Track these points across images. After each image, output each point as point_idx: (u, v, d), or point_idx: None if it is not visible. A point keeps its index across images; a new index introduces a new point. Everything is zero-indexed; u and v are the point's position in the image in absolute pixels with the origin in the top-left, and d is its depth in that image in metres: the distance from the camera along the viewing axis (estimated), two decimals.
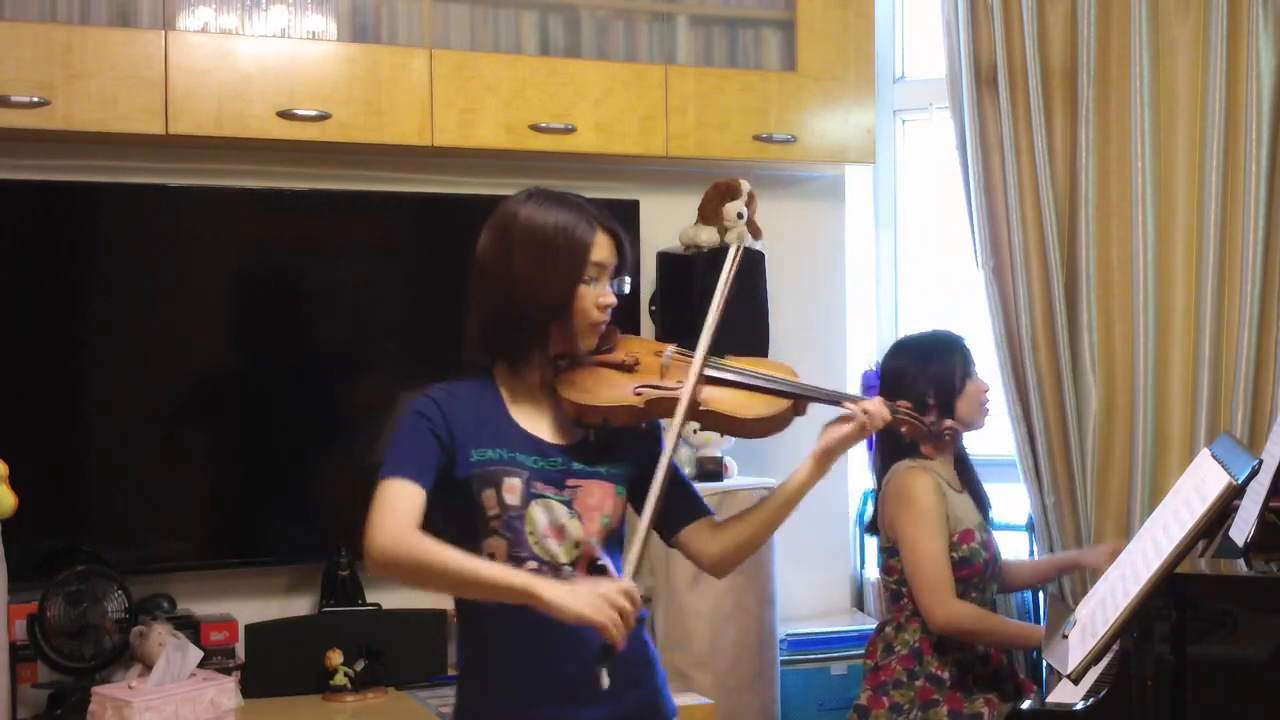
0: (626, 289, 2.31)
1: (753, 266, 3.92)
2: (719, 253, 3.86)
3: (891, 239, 4.51)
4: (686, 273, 3.88)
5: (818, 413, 2.35)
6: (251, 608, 3.59)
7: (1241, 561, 2.49)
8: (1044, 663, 3.80)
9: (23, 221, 3.44)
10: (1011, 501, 4.04)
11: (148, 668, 3.24)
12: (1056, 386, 3.91)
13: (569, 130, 3.77)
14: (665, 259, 3.94)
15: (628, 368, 2.30)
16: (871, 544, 4.11)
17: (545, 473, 2.22)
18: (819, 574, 4.26)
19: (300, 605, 3.68)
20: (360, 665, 3.47)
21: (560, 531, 2.23)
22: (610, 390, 2.26)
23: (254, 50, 3.50)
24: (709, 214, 3.90)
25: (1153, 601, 2.27)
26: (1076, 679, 2.30)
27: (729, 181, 3.91)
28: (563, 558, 2.22)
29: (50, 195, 3.47)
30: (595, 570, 2.24)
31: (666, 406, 2.26)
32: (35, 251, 3.45)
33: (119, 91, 3.37)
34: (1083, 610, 2.50)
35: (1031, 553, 4.01)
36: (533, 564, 2.20)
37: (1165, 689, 2.33)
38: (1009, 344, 3.95)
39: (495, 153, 3.77)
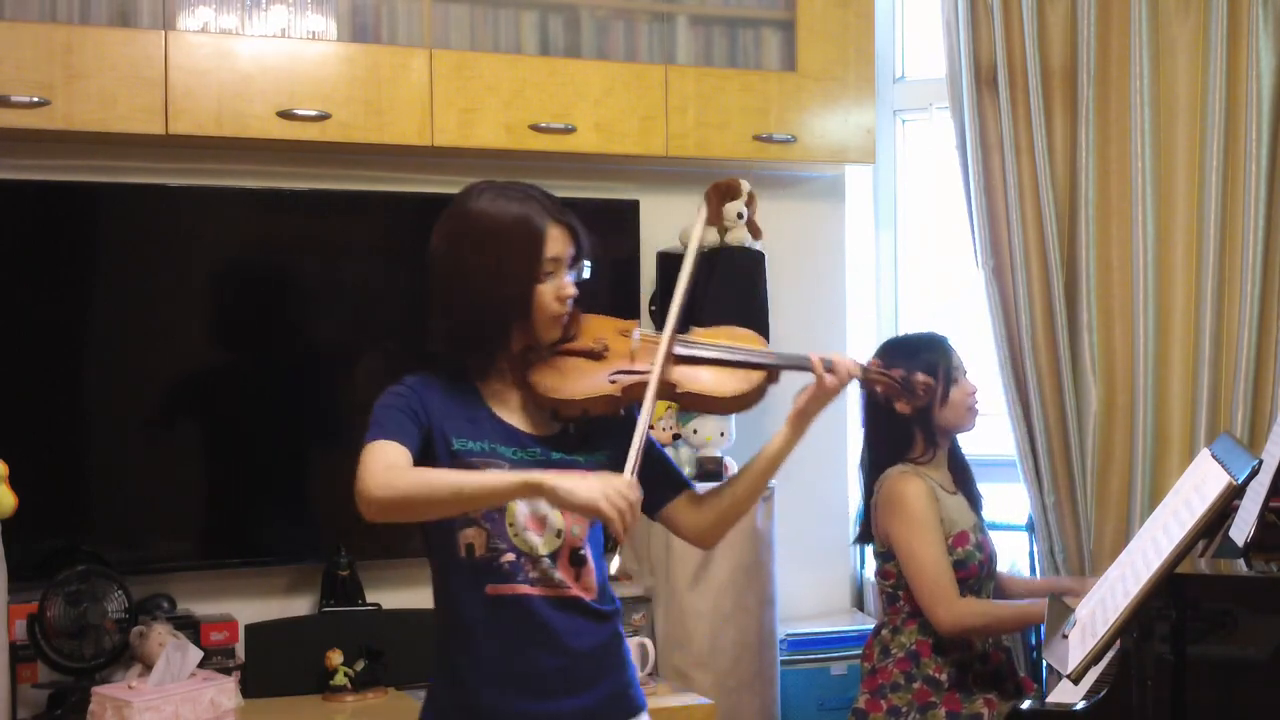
0: (586, 274, 2.30)
1: (753, 266, 3.92)
2: (719, 252, 3.86)
3: (891, 239, 4.51)
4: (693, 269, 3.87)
5: (792, 382, 2.36)
6: (251, 608, 3.59)
7: (1241, 561, 2.49)
8: (1044, 662, 3.80)
9: (23, 221, 3.44)
10: (1011, 501, 4.04)
11: (148, 668, 3.24)
12: (1056, 386, 3.91)
13: (569, 130, 3.77)
14: (665, 259, 3.94)
15: (597, 355, 2.29)
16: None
17: (525, 464, 2.22)
18: (819, 574, 4.26)
19: (300, 605, 3.68)
20: (360, 665, 3.47)
21: (541, 522, 2.23)
22: (584, 381, 2.25)
23: (254, 50, 3.50)
24: (709, 214, 3.89)
25: (1153, 601, 2.26)
26: (1076, 679, 2.30)
27: (729, 181, 3.90)
28: (542, 549, 2.24)
29: (50, 195, 3.47)
30: (576, 560, 2.26)
31: (643, 391, 2.24)
32: (35, 251, 3.45)
33: (119, 91, 3.37)
34: (1083, 610, 2.50)
35: (1031, 553, 4.01)
36: (510, 556, 2.22)
37: (1165, 689, 2.33)
38: (1009, 344, 3.95)
39: (495, 153, 3.77)
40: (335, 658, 3.46)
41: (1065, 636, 2.46)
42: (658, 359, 2.24)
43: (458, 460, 2.21)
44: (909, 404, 2.47)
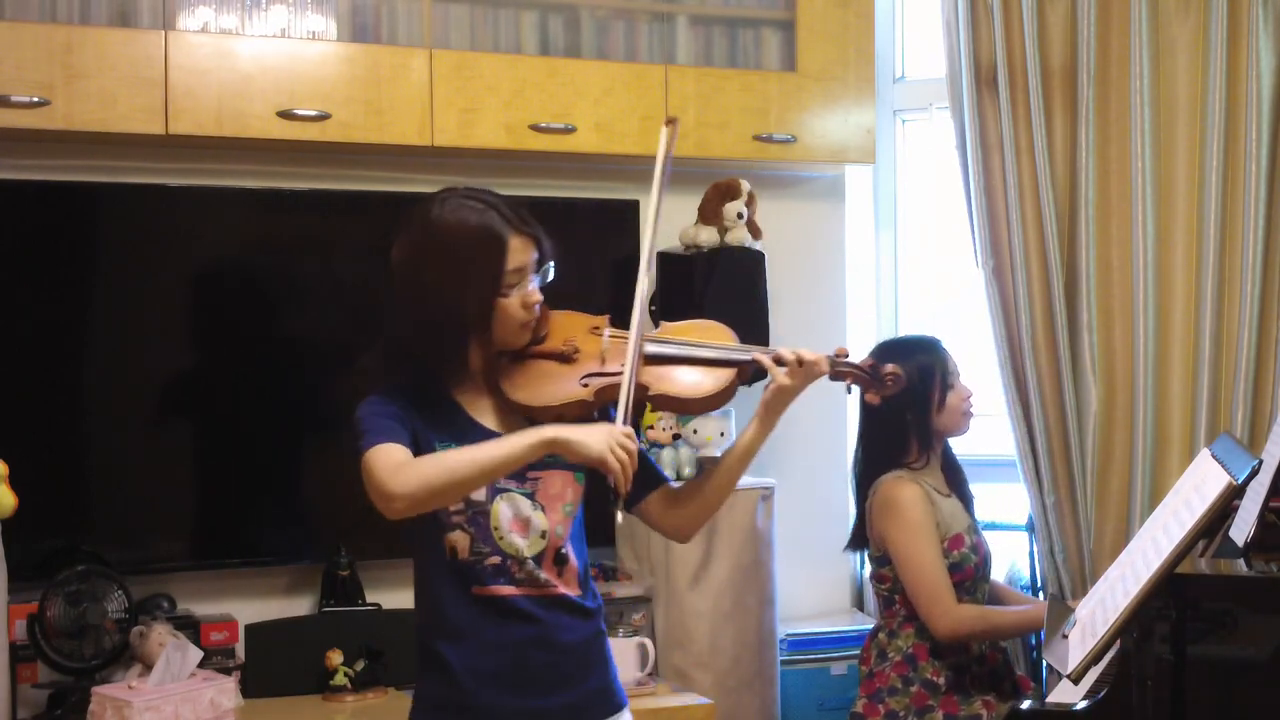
0: (550, 277, 2.30)
1: (753, 266, 3.92)
2: (719, 252, 3.86)
3: (891, 239, 4.51)
4: (686, 273, 3.88)
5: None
6: (251, 608, 3.59)
7: (1241, 561, 2.49)
8: (1044, 662, 3.80)
9: (23, 221, 3.44)
10: (1011, 501, 4.04)
11: (148, 668, 3.24)
12: (1056, 386, 3.91)
13: (569, 130, 3.77)
14: (665, 259, 3.94)
15: (567, 357, 2.29)
16: None
17: None
18: (819, 574, 4.26)
19: (300, 605, 3.68)
20: (360, 665, 3.47)
21: (525, 524, 2.25)
22: (557, 386, 2.26)
23: (254, 50, 3.50)
24: (709, 214, 3.90)
25: (1153, 601, 2.26)
26: (1076, 679, 2.30)
27: (729, 181, 3.91)
28: (526, 551, 2.25)
29: (50, 195, 3.47)
30: (559, 560, 2.28)
31: (615, 393, 2.25)
32: (35, 251, 3.46)
33: (119, 91, 3.37)
34: (1083, 610, 2.50)
35: (1031, 553, 4.01)
36: (496, 559, 2.23)
37: (1165, 689, 2.33)
38: (1009, 344, 3.95)
39: (495, 153, 3.77)
40: (335, 658, 3.46)
41: (1065, 636, 2.46)
42: (628, 362, 2.24)
43: None
44: (878, 394, 2.43)
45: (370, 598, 3.63)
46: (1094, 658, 2.25)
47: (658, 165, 2.37)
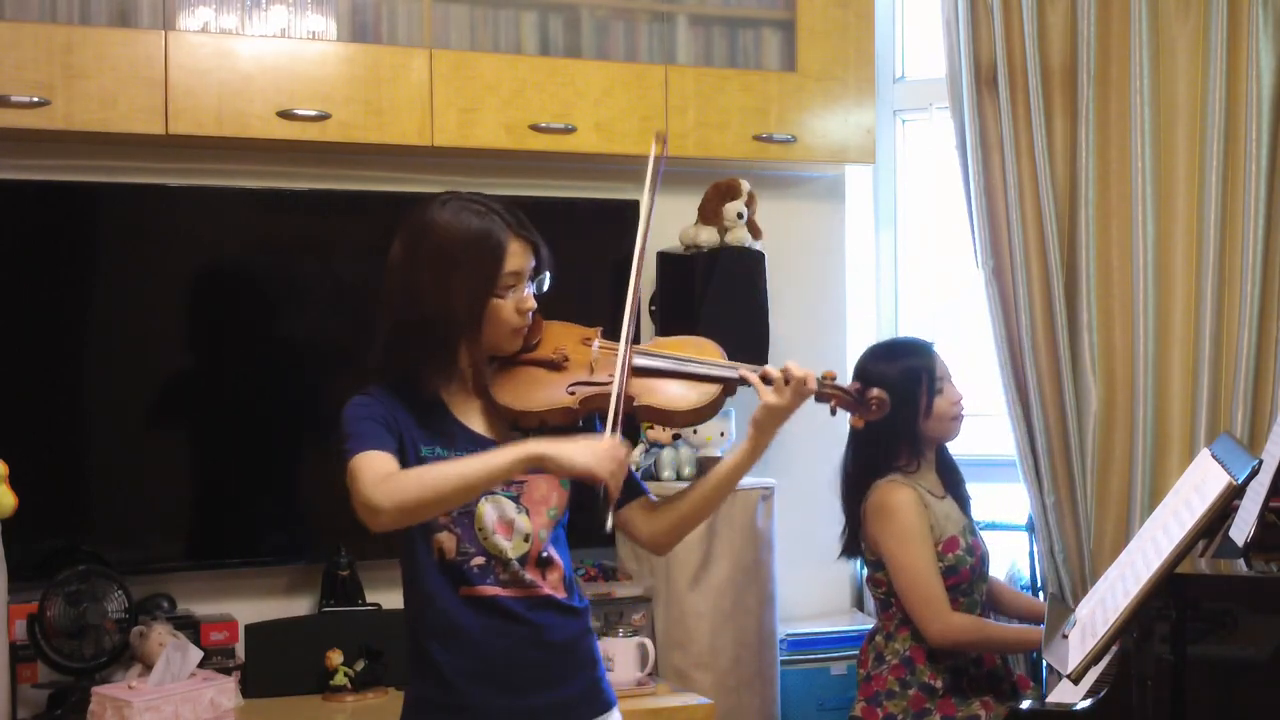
0: (546, 286, 2.32)
1: (753, 266, 3.92)
2: (719, 252, 3.86)
3: (891, 239, 4.51)
4: (686, 273, 3.88)
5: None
6: (251, 608, 3.59)
7: (1241, 561, 2.49)
8: (1044, 662, 3.80)
9: (23, 221, 3.44)
10: (1011, 501, 4.04)
11: (148, 668, 3.24)
12: (1056, 386, 3.91)
13: (569, 130, 3.77)
14: (665, 259, 3.94)
15: (557, 365, 2.31)
16: None
17: None
18: (819, 574, 4.26)
19: (300, 605, 3.68)
20: (360, 665, 3.47)
21: (509, 526, 2.27)
22: (544, 392, 2.28)
23: (254, 50, 3.50)
24: (709, 214, 3.90)
25: (1153, 601, 2.27)
26: (1076, 679, 2.30)
27: (729, 181, 3.91)
28: (510, 552, 2.27)
29: (50, 195, 3.47)
30: (542, 563, 2.30)
31: (600, 402, 2.28)
32: (35, 251, 3.46)
33: (119, 91, 3.37)
34: (1083, 610, 2.50)
35: (1031, 553, 4.01)
36: (480, 559, 2.25)
37: (1165, 689, 2.33)
38: (1009, 344, 3.94)
39: (495, 153, 3.77)
40: (335, 658, 3.46)
41: (1065, 636, 2.46)
42: (617, 372, 2.26)
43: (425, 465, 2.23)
44: (862, 418, 2.42)
45: (370, 598, 3.63)
46: (1094, 658, 2.25)
47: (646, 184, 2.40)
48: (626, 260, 3.88)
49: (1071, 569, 3.90)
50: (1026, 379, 3.92)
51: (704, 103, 3.91)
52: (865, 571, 3.34)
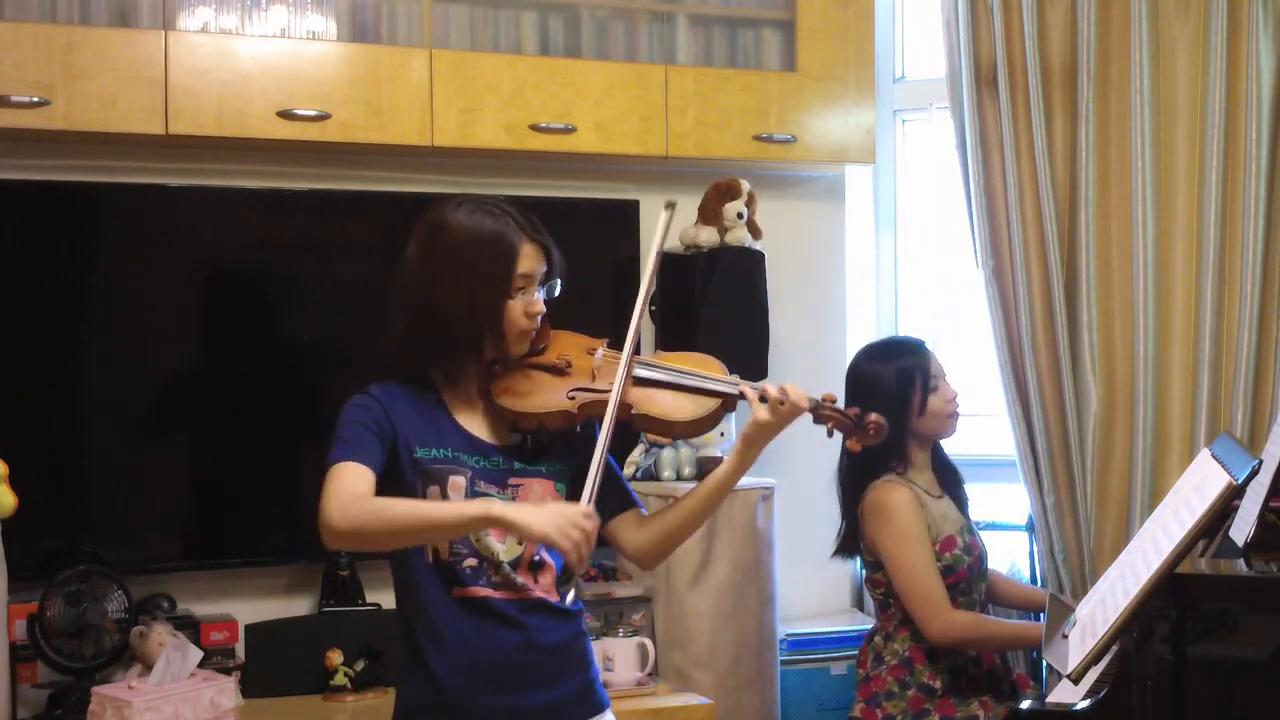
0: (556, 292, 2.34)
1: (753, 266, 3.92)
2: (719, 252, 3.86)
3: (891, 239, 4.51)
4: (687, 273, 3.88)
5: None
6: (251, 608, 3.59)
7: (1241, 561, 2.49)
8: (1044, 662, 3.80)
9: (23, 221, 3.44)
10: (1011, 501, 4.04)
11: (148, 668, 3.24)
12: (1056, 386, 3.91)
13: (569, 130, 3.77)
14: (665, 259, 3.92)
15: (560, 370, 2.34)
16: None
17: (488, 472, 2.28)
18: (819, 574, 4.25)
19: (300, 605, 3.68)
20: (360, 665, 3.47)
21: (503, 530, 2.26)
22: (544, 395, 2.30)
23: (254, 50, 3.50)
24: (709, 214, 3.90)
25: (1153, 601, 2.27)
26: (1076, 679, 2.30)
27: (729, 181, 3.91)
28: (502, 555, 2.28)
29: (50, 195, 3.47)
30: (535, 567, 2.31)
31: (599, 409, 2.30)
32: (35, 251, 3.46)
33: (119, 91, 3.37)
34: (1083, 610, 2.50)
35: (1031, 553, 4.01)
36: (473, 560, 2.26)
37: (1165, 689, 2.33)
38: (1009, 344, 3.94)
39: (495, 153, 3.77)
40: (335, 658, 3.46)
41: (1065, 636, 2.46)
42: (617, 379, 2.29)
43: (419, 467, 2.25)
44: (859, 443, 2.43)
45: (370, 598, 3.63)
46: (1094, 658, 2.25)
47: (655, 243, 2.42)
48: (626, 260, 3.94)
49: (1071, 569, 3.90)
50: (1026, 379, 3.92)
51: (704, 103, 3.91)
52: (865, 572, 3.33)
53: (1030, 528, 4.00)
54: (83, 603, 3.25)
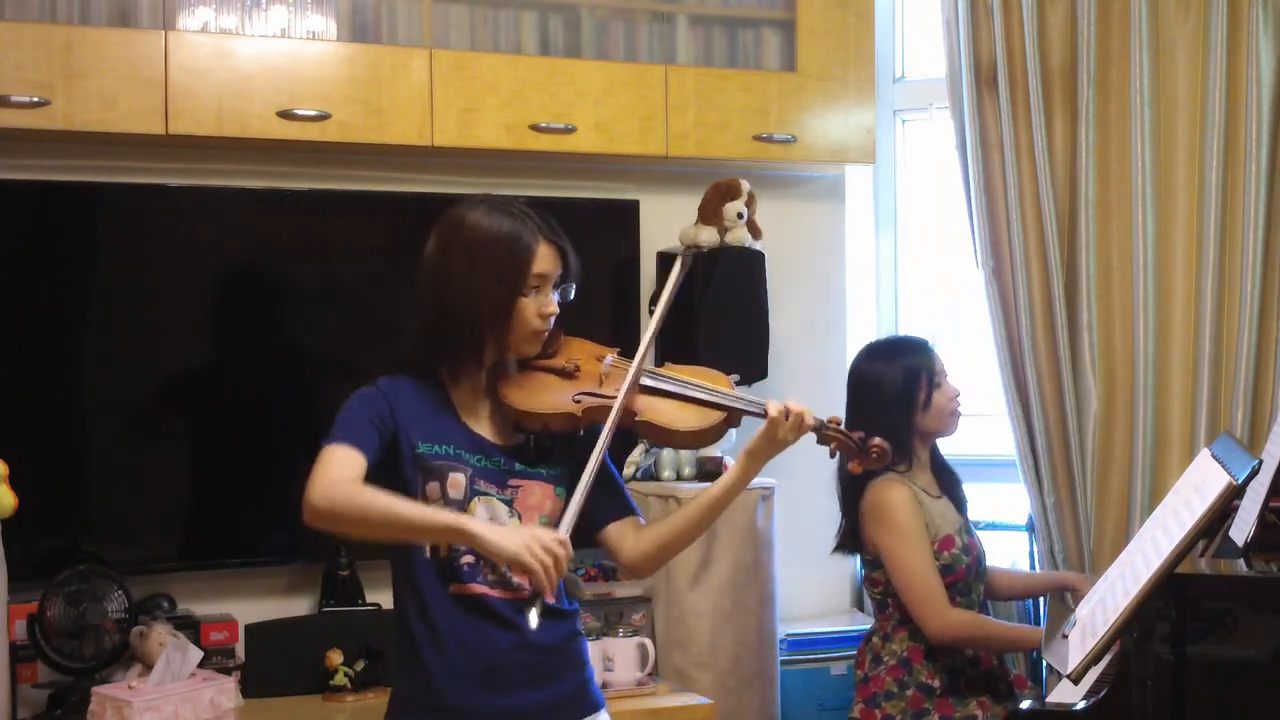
0: (571, 296, 2.35)
1: (753, 266, 3.92)
2: (719, 252, 3.86)
3: (891, 239, 4.51)
4: (686, 273, 3.86)
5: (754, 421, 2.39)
6: (251, 608, 3.59)
7: (1241, 561, 2.49)
8: (1044, 662, 3.80)
9: (23, 221, 3.44)
10: (1011, 501, 4.04)
11: (148, 668, 3.24)
12: (1056, 386, 3.91)
13: (569, 130, 3.77)
14: (665, 259, 3.94)
15: (568, 374, 2.35)
16: None
17: (488, 471, 2.29)
18: (819, 574, 4.25)
19: (300, 605, 3.68)
20: (360, 665, 3.47)
21: None
22: (550, 397, 2.31)
23: (254, 50, 3.50)
24: (709, 214, 3.90)
25: (1153, 601, 2.27)
26: (1076, 679, 2.30)
27: (729, 181, 3.90)
28: None
29: (50, 195, 3.47)
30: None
31: (604, 414, 2.31)
32: (35, 251, 3.46)
33: (119, 91, 3.37)
34: (1083, 610, 2.50)
35: (1031, 553, 4.01)
36: (469, 558, 2.27)
37: (1165, 689, 2.33)
38: (1009, 344, 3.94)
39: (495, 153, 3.77)
40: (335, 658, 3.46)
41: (1065, 636, 2.46)
42: (623, 385, 2.30)
43: (421, 463, 2.26)
44: (861, 465, 2.45)
45: (370, 598, 3.63)
46: (1094, 658, 2.25)
47: (670, 286, 2.43)
48: (626, 260, 3.94)
49: (1071, 569, 3.89)
50: (1026, 379, 3.92)
51: (704, 103, 3.91)
52: (863, 571, 3.33)
53: (1030, 528, 4.00)
54: (83, 603, 3.25)
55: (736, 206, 3.87)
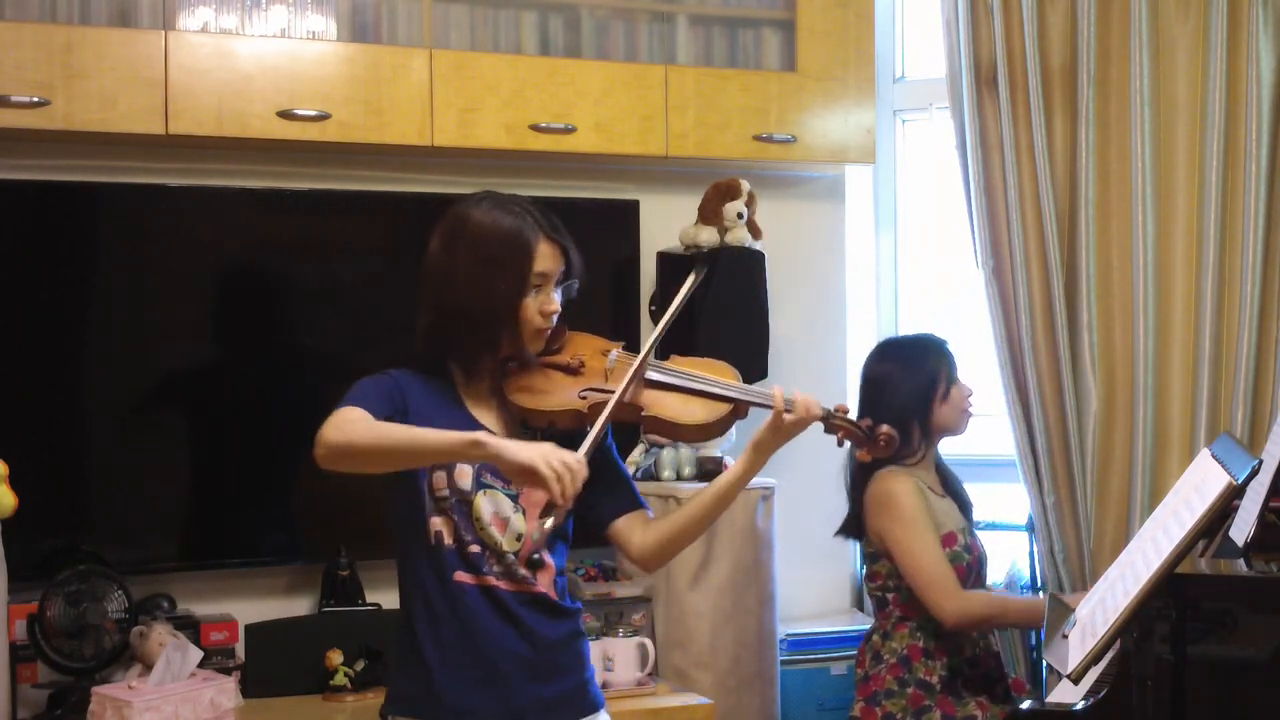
0: (575, 293, 2.35)
1: (753, 266, 3.92)
2: (719, 252, 3.86)
3: (891, 239, 4.51)
4: (686, 273, 3.86)
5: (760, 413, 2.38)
6: (251, 608, 3.59)
7: (1241, 561, 2.49)
8: (1044, 662, 3.80)
9: (23, 221, 3.44)
10: (1011, 501, 4.04)
11: (148, 668, 3.24)
12: (1056, 386, 3.91)
13: (569, 130, 3.77)
14: (665, 259, 3.94)
15: (573, 370, 2.35)
16: None
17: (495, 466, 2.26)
18: (819, 574, 4.26)
19: (300, 605, 3.68)
20: (360, 665, 3.47)
21: (505, 523, 2.29)
22: (556, 394, 2.32)
23: (254, 50, 3.50)
24: (709, 214, 3.90)
25: (1153, 601, 2.26)
26: (1076, 679, 2.30)
27: (729, 181, 3.90)
28: (505, 546, 2.28)
29: (50, 195, 3.47)
30: (533, 564, 2.31)
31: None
32: (35, 251, 3.46)
33: (119, 91, 3.37)
34: (1083, 610, 2.50)
35: (1031, 553, 4.01)
36: (476, 547, 2.27)
37: (1165, 689, 2.33)
38: (1009, 344, 3.94)
39: (495, 153, 3.77)
40: (335, 658, 3.46)
41: (1065, 636, 2.46)
42: (624, 380, 2.30)
43: None
44: (870, 453, 2.44)
45: (370, 598, 3.63)
46: (1094, 658, 2.25)
47: (680, 297, 2.43)
48: (626, 260, 3.94)
49: (1071, 569, 3.90)
50: (1026, 379, 3.92)
51: (704, 103, 3.91)
52: (864, 566, 3.32)
53: (1030, 528, 4.00)
54: (83, 603, 3.25)
55: (736, 206, 3.87)
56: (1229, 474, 2.25)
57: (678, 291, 2.42)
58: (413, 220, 3.81)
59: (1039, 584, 3.99)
